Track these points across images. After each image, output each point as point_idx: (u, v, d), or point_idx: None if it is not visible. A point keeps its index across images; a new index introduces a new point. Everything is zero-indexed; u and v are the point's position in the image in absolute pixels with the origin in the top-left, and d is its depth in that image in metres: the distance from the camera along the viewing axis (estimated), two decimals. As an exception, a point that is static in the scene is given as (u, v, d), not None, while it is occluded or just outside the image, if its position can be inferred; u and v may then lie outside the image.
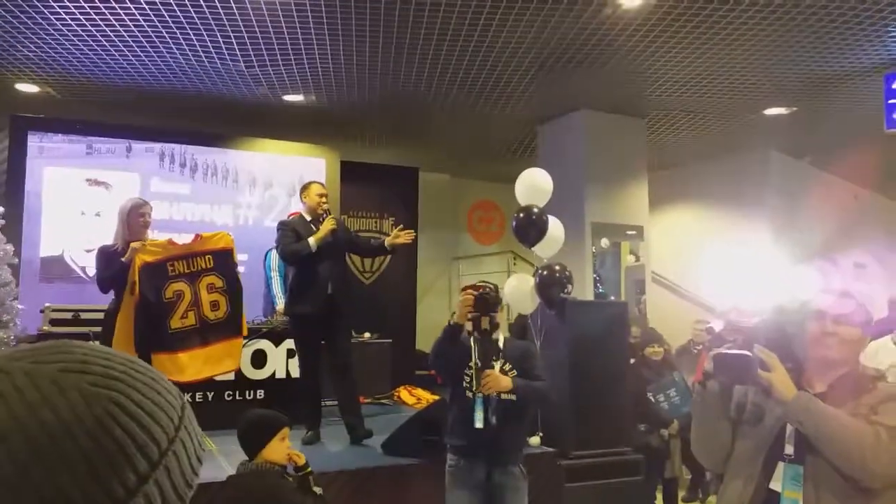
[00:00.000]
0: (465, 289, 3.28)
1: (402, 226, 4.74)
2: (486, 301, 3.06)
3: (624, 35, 5.26)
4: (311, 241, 4.43)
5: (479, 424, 3.05)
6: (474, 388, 3.10)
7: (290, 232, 4.55)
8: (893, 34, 5.15)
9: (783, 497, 1.76)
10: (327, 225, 4.48)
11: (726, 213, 8.65)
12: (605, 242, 7.66)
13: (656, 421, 4.86)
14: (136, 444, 0.53)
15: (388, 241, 4.65)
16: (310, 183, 4.81)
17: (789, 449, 1.79)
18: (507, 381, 3.07)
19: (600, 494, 4.13)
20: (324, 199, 4.66)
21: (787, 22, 4.95)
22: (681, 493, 5.19)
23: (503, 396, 3.10)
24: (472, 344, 3.18)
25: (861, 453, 1.67)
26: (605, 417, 4.34)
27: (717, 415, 1.91)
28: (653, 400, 4.91)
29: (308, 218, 4.63)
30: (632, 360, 4.98)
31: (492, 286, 3.38)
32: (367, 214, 8.48)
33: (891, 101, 5.59)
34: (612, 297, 7.22)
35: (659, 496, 4.72)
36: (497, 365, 3.14)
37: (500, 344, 3.21)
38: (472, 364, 3.14)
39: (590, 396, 4.30)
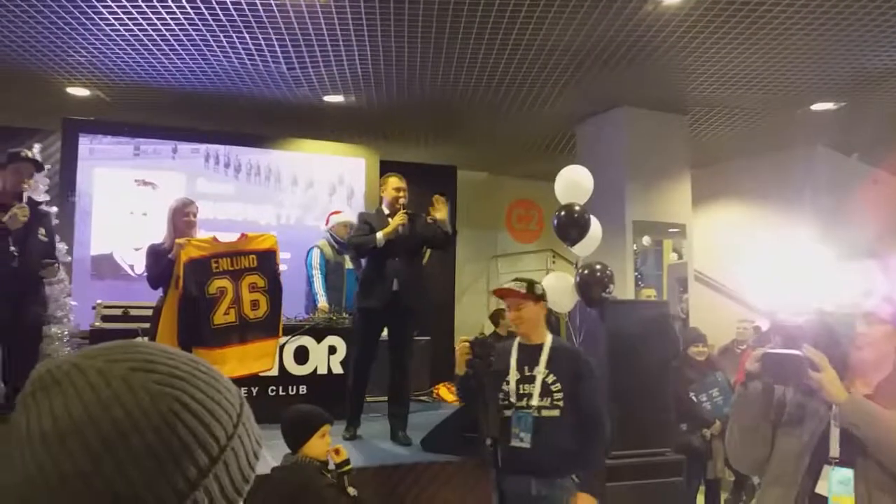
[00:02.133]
0: (462, 340, 2.91)
1: (437, 200, 4.55)
2: (483, 345, 2.83)
3: (665, 31, 5.20)
4: (379, 235, 4.39)
5: (524, 444, 2.84)
6: (512, 402, 2.89)
7: (364, 224, 4.55)
8: (948, 25, 4.98)
9: (831, 501, 1.72)
10: (396, 220, 4.41)
11: (771, 210, 8.46)
12: (646, 240, 7.58)
13: (698, 421, 4.80)
14: (198, 440, 0.56)
15: (439, 223, 4.45)
16: (388, 176, 4.73)
17: (835, 452, 1.75)
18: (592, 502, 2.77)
19: (640, 494, 4.10)
20: (401, 194, 4.57)
21: (835, 15, 4.83)
22: (724, 496, 5.11)
23: (542, 415, 2.84)
24: (513, 352, 2.96)
25: None
26: (646, 417, 4.31)
27: (758, 416, 1.89)
28: (695, 400, 4.85)
29: (386, 212, 4.57)
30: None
31: (480, 338, 3.24)
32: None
33: (945, 94, 5.40)
34: (655, 295, 7.14)
35: (701, 498, 4.66)
36: (539, 377, 2.88)
37: (546, 351, 2.93)
38: (509, 378, 2.92)
39: (631, 396, 4.27)
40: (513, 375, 2.93)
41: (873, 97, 6.47)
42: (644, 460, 4.20)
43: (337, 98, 6.86)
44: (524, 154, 8.88)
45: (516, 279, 3.08)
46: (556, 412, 2.84)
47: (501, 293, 3.05)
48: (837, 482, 1.73)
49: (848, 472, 1.72)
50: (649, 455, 4.24)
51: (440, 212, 4.44)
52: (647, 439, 4.29)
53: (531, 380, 2.90)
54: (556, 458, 2.84)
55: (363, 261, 4.78)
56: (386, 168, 7.82)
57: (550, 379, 2.88)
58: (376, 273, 4.47)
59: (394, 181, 4.64)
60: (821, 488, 1.75)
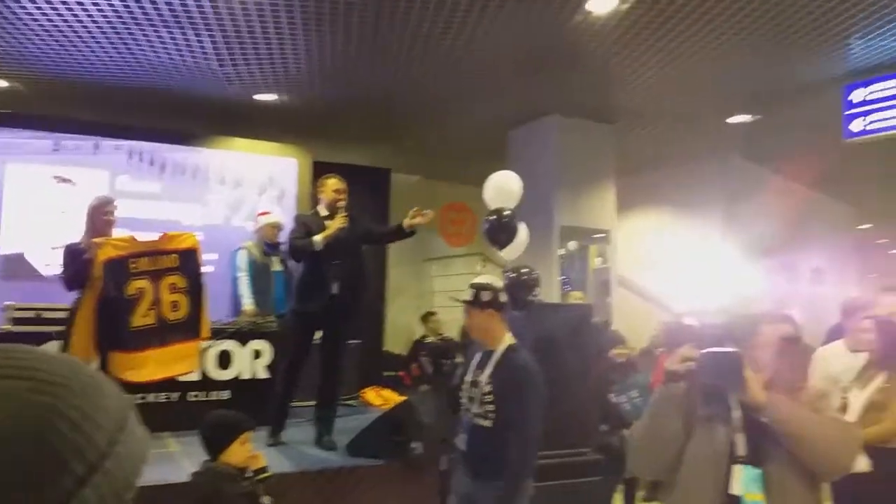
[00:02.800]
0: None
1: (418, 207, 4.55)
2: (437, 349, 3.00)
3: (594, 42, 5.35)
4: (318, 238, 4.33)
5: (462, 446, 2.95)
6: (461, 405, 2.97)
7: (301, 226, 4.47)
8: (852, 48, 5.32)
9: (745, 500, 1.76)
10: (336, 223, 4.36)
11: (690, 217, 8.82)
12: (572, 245, 7.78)
13: (618, 421, 4.94)
14: (74, 449, 0.54)
15: (406, 221, 4.46)
16: (327, 177, 4.66)
17: (742, 451, 1.80)
18: None
19: (559, 494, 4.19)
20: (341, 195, 4.51)
21: (753, 32, 5.08)
22: (640, 494, 5.28)
23: (477, 423, 2.88)
24: (477, 355, 3.01)
25: (835, 447, 1.79)
26: (567, 418, 4.40)
27: (676, 417, 1.88)
28: (615, 401, 5.00)
29: (325, 213, 4.50)
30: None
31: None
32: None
33: (848, 112, 5.77)
34: (583, 298, 7.33)
35: (618, 496, 4.80)
36: (482, 385, 2.90)
37: (494, 360, 2.93)
38: (465, 381, 2.99)
39: (553, 397, 4.35)
40: (467, 379, 2.99)
41: (786, 111, 6.83)
42: (565, 460, 4.30)
43: (269, 97, 6.76)
44: (457, 158, 8.96)
45: (472, 285, 3.06)
46: (487, 423, 2.85)
47: (465, 303, 3.03)
48: (749, 481, 1.78)
49: (757, 471, 1.78)
50: (570, 455, 4.34)
51: (422, 220, 4.40)
52: (568, 440, 4.39)
53: (477, 385, 2.94)
54: (487, 464, 2.86)
55: (294, 263, 4.70)
56: (319, 169, 7.73)
57: (487, 389, 2.89)
58: (315, 276, 4.40)
59: (333, 182, 4.58)
60: (733, 488, 1.79)
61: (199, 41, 5.43)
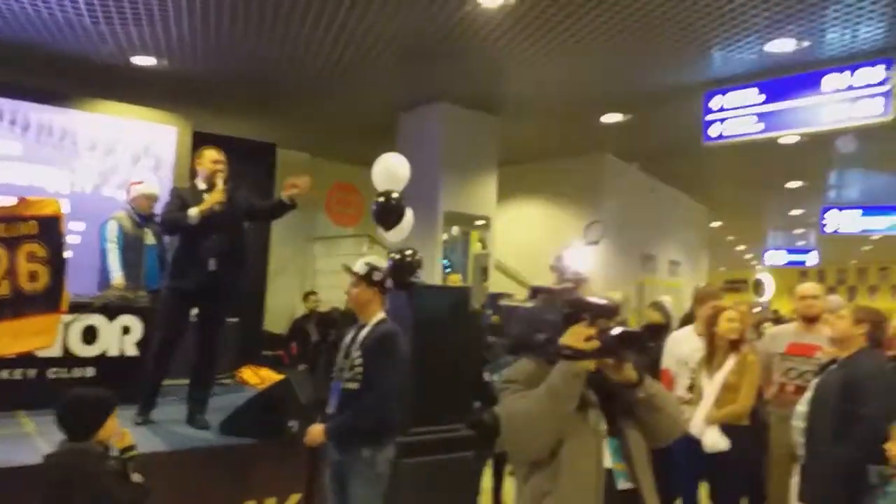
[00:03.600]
0: None
1: (290, 179, 4.43)
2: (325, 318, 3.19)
3: (482, 33, 5.50)
4: (193, 211, 4.11)
5: (328, 410, 3.23)
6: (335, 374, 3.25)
7: (177, 199, 4.24)
8: (714, 56, 5.80)
9: (616, 470, 1.91)
10: (213, 197, 4.17)
11: (565, 209, 9.29)
12: (455, 230, 7.98)
13: (490, 399, 5.16)
14: None
15: (284, 193, 4.31)
16: (205, 148, 4.46)
17: (602, 426, 1.95)
18: (318, 435, 3.14)
19: (432, 469, 4.34)
20: (219, 167, 4.30)
21: (626, 37, 5.42)
22: (509, 468, 5.56)
23: (345, 387, 3.17)
24: (353, 329, 3.32)
25: (678, 418, 2.03)
26: (443, 396, 4.56)
27: (576, 395, 1.90)
28: (488, 379, 5.22)
29: (202, 187, 4.29)
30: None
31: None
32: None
33: (708, 118, 6.28)
34: (460, 281, 7.56)
35: (489, 470, 5.03)
36: (354, 354, 3.21)
37: (366, 331, 3.24)
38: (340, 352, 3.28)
39: (431, 376, 4.50)
40: (342, 350, 3.27)
41: (652, 113, 7.34)
42: (438, 436, 4.45)
43: (147, 60, 6.42)
44: (347, 138, 8.91)
45: (366, 262, 3.40)
46: (354, 385, 3.15)
47: (347, 270, 3.40)
48: (614, 451, 1.92)
49: (615, 442, 1.93)
50: (444, 431, 4.50)
51: (300, 187, 4.30)
52: (443, 416, 4.56)
53: (349, 355, 3.22)
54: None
55: (170, 238, 4.50)
56: (200, 140, 7.41)
57: (357, 354, 3.19)
58: (191, 252, 4.22)
59: (211, 154, 4.39)
60: (605, 462, 1.91)
61: (71, -5, 5.08)
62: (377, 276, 3.35)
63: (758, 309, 9.04)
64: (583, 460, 1.91)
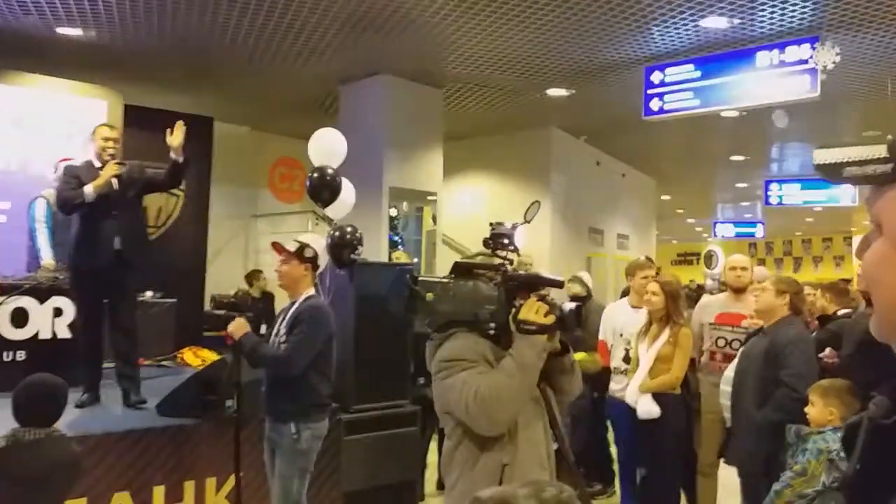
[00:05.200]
0: None
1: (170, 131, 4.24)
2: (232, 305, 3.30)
3: (423, 4, 5.41)
4: (89, 188, 4.05)
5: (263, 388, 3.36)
6: None
7: (72, 178, 4.16)
8: (653, 32, 5.85)
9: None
10: (107, 171, 4.11)
11: (513, 183, 9.32)
12: (405, 206, 7.93)
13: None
14: None
15: (173, 155, 4.20)
16: (99, 125, 4.44)
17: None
18: (238, 333, 3.22)
19: (377, 445, 4.37)
20: (110, 143, 4.26)
21: (566, 10, 5.41)
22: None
23: None
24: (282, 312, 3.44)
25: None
26: (386, 373, 4.57)
27: (539, 368, 1.98)
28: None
29: (97, 164, 4.22)
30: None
31: None
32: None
33: (649, 92, 6.35)
34: (416, 260, 7.55)
35: (433, 445, 5.08)
36: (281, 330, 3.31)
37: (294, 308, 3.32)
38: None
39: (373, 353, 4.49)
40: (274, 327, 3.37)
41: (596, 87, 7.38)
42: (382, 412, 4.47)
43: (73, 31, 6.14)
44: (288, 111, 8.72)
45: (296, 239, 3.44)
46: None
47: (275, 247, 3.42)
48: None
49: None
50: (388, 408, 4.52)
51: (176, 137, 4.18)
52: (387, 393, 4.57)
53: (279, 333, 3.31)
54: (283, 393, 3.24)
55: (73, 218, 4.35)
56: (132, 114, 7.19)
57: (284, 331, 3.27)
58: (93, 231, 4.16)
59: (102, 130, 4.36)
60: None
61: (-14, -40, 4.80)
62: (308, 253, 3.37)
63: (710, 282, 9.29)
64: (533, 428, 2.02)
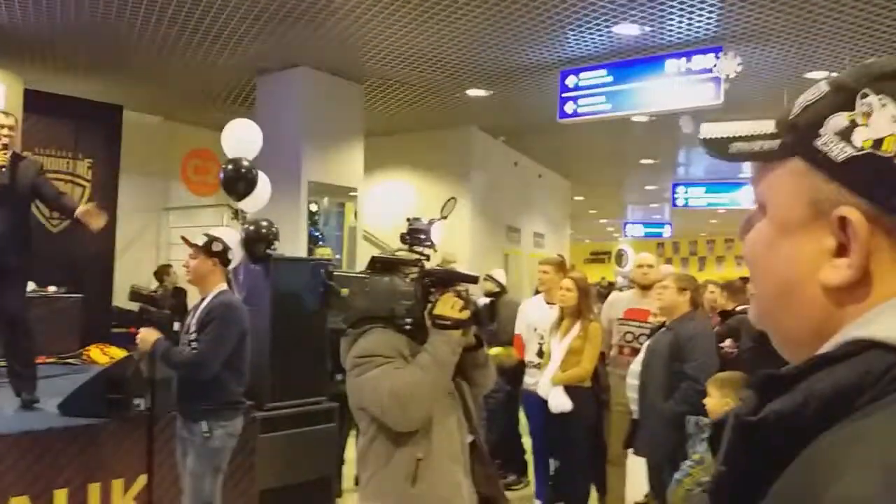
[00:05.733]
0: None
1: (94, 206, 4.21)
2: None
3: (343, -1, 5.37)
4: None
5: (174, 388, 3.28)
6: None
7: None
8: (569, 36, 6.02)
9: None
10: None
11: (433, 181, 9.39)
12: (326, 202, 7.84)
13: (351, 370, 5.20)
14: None
15: (79, 211, 4.11)
16: None
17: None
18: (148, 342, 3.16)
19: (294, 442, 4.32)
20: (4, 131, 4.04)
21: (485, 11, 5.50)
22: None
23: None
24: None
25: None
26: (302, 370, 4.52)
27: (454, 364, 2.02)
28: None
29: None
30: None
31: None
32: (58, 153, 7.51)
33: (564, 95, 6.55)
34: (338, 256, 7.46)
35: (352, 440, 5.07)
36: (193, 322, 3.25)
37: (203, 305, 3.26)
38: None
39: (289, 350, 4.44)
40: (185, 325, 3.31)
41: (514, 89, 7.53)
42: (300, 409, 4.42)
43: (-34, 8, 5.73)
44: (203, 102, 8.45)
45: (206, 233, 3.39)
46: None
47: (185, 241, 3.39)
48: None
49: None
50: (305, 405, 4.48)
51: (93, 221, 4.07)
52: (304, 390, 4.52)
53: (189, 330, 3.25)
54: (194, 392, 3.16)
55: None
56: (32, 98, 6.80)
57: (194, 329, 3.21)
58: None
59: None
60: None
61: None
62: (217, 247, 3.31)
63: (620, 279, 9.66)
64: (448, 422, 2.03)
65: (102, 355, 5.93)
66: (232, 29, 6.10)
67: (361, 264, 7.65)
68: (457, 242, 8.25)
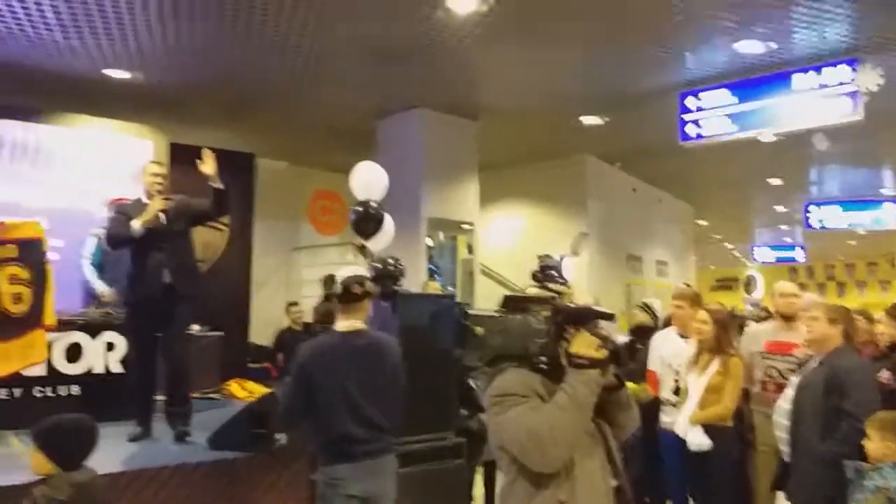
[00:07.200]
0: None
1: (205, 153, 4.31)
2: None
3: (456, 37, 5.50)
4: (136, 223, 4.15)
5: None
6: None
7: (119, 215, 4.29)
8: (687, 58, 5.86)
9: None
10: (153, 206, 4.21)
11: (549, 211, 9.33)
12: (441, 236, 7.98)
13: (476, 406, 5.16)
14: None
15: (209, 178, 4.25)
16: (146, 163, 4.58)
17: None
18: None
19: (424, 478, 4.34)
20: (157, 179, 4.35)
21: (601, 39, 5.46)
22: (500, 475, 5.55)
23: None
24: None
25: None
26: (431, 404, 4.55)
27: (593, 402, 1.95)
28: (474, 386, 5.22)
29: (146, 201, 4.33)
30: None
31: None
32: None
33: (684, 118, 6.34)
34: (450, 288, 7.56)
35: (479, 478, 5.04)
36: None
37: None
38: None
39: (418, 385, 4.48)
40: None
41: (631, 114, 7.38)
42: (429, 445, 4.45)
43: (120, 73, 6.38)
44: (327, 146, 8.89)
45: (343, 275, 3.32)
46: None
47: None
48: None
49: None
50: (434, 440, 4.50)
51: (208, 166, 4.23)
52: (432, 425, 4.55)
53: None
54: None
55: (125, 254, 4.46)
56: (177, 152, 7.40)
57: None
58: (143, 265, 4.25)
59: (151, 167, 4.48)
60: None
61: (39, 10, 5.02)
62: (331, 288, 3.34)
63: (750, 307, 9.09)
64: (590, 463, 1.97)
65: (241, 390, 6.25)
66: (350, 76, 6.40)
67: (481, 299, 7.72)
68: (576, 274, 8.11)
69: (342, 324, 3.19)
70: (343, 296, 3.19)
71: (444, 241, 8.08)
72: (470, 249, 8.03)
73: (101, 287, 5.33)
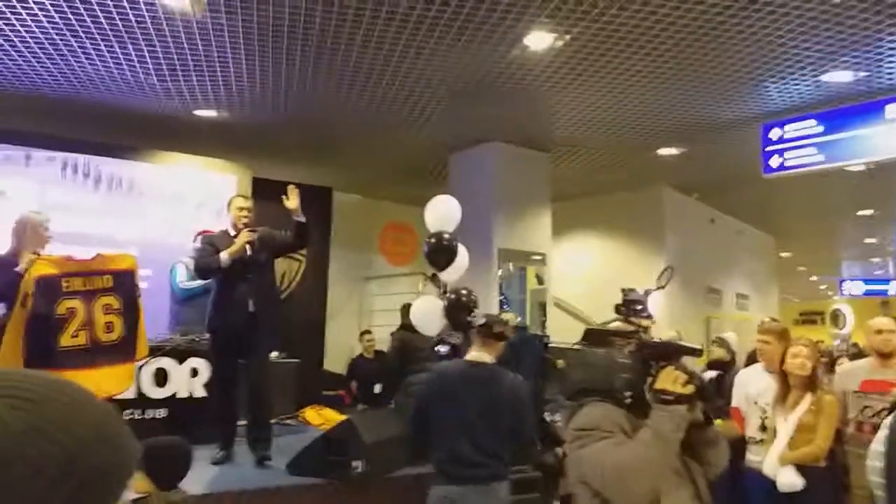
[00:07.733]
0: None
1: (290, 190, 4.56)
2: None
3: (531, 75, 5.57)
4: (224, 255, 4.36)
5: None
6: None
7: (208, 245, 4.51)
8: (769, 90, 5.71)
9: None
10: (241, 239, 4.41)
11: (624, 243, 9.17)
12: (510, 267, 7.97)
13: (552, 439, 5.08)
14: (47, 457, 0.59)
15: (292, 212, 4.48)
16: (234, 196, 4.81)
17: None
18: None
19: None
20: (244, 213, 4.57)
21: (678, 72, 5.40)
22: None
23: None
24: None
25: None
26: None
27: (679, 438, 1.92)
28: (550, 419, 5.14)
29: (232, 233, 4.56)
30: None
31: None
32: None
33: (767, 149, 6.16)
34: (519, 319, 7.50)
35: (554, 513, 4.93)
36: None
37: None
38: None
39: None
40: None
41: (710, 145, 7.23)
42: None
43: (209, 112, 6.72)
44: (400, 178, 9.07)
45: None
46: None
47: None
48: None
49: None
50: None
51: (293, 201, 4.45)
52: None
53: None
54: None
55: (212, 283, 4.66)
56: (259, 186, 7.71)
57: None
58: (229, 294, 4.43)
59: (238, 201, 4.70)
60: None
61: (139, 56, 5.38)
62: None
63: (838, 342, 8.62)
64: (677, 501, 1.92)
65: (317, 416, 6.36)
66: (428, 111, 6.55)
67: (553, 330, 7.62)
68: (654, 307, 7.91)
69: (472, 354, 3.37)
70: (482, 329, 3.36)
71: (512, 271, 8.06)
72: (540, 280, 7.96)
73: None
